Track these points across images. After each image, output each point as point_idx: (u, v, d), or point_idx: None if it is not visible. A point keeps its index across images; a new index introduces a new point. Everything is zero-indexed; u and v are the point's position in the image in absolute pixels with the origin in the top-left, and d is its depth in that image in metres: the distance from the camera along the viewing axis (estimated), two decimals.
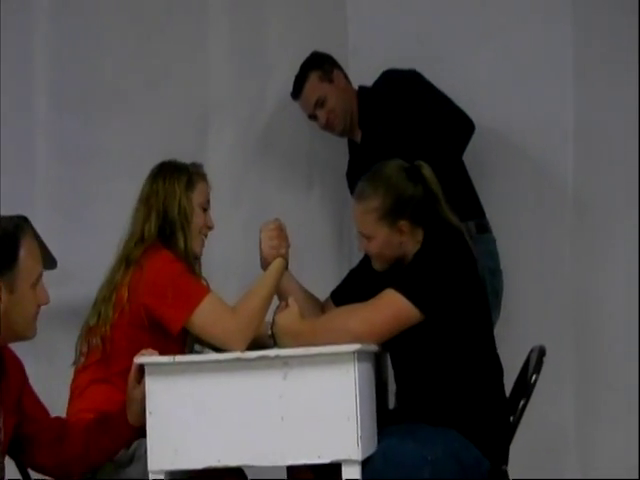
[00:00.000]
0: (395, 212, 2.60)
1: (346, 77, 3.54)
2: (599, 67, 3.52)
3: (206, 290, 2.58)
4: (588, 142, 3.54)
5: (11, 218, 2.21)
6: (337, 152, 3.67)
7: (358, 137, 3.55)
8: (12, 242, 2.14)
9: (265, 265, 2.68)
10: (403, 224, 2.60)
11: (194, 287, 2.56)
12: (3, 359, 2.24)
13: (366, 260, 2.78)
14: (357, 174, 3.52)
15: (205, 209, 2.74)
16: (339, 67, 3.53)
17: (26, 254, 2.15)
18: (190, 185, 2.70)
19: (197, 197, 2.71)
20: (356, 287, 2.81)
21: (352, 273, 2.93)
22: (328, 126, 3.50)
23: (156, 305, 2.53)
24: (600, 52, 3.52)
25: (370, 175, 2.69)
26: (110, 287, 2.60)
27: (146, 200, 2.68)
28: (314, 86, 3.46)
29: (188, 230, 2.67)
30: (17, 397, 2.27)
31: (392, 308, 2.49)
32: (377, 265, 2.66)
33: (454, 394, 2.57)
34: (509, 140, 3.58)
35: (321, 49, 3.54)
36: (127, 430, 2.37)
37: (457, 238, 2.61)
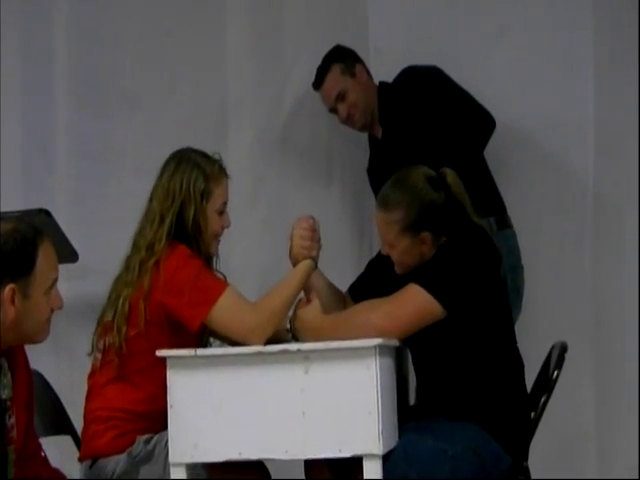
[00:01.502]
0: (418, 224, 2.57)
1: (368, 72, 3.53)
2: (619, 64, 3.51)
3: (224, 285, 2.55)
4: (608, 140, 3.53)
5: (30, 224, 2.22)
6: (356, 148, 3.67)
7: (378, 133, 3.54)
8: (30, 249, 2.15)
9: (294, 263, 2.63)
10: (425, 235, 2.58)
11: (212, 283, 2.53)
12: (12, 352, 2.24)
13: (382, 255, 2.78)
14: (378, 171, 3.53)
15: (222, 212, 2.66)
16: (361, 62, 3.52)
17: (43, 261, 2.16)
18: (207, 193, 2.60)
19: (214, 204, 2.63)
20: (373, 282, 2.80)
21: (369, 268, 2.91)
22: (348, 120, 3.50)
23: (174, 303, 2.50)
24: (620, 50, 3.50)
25: (395, 183, 2.65)
26: (126, 286, 2.56)
27: (161, 202, 2.60)
28: (336, 79, 3.46)
29: (201, 239, 2.61)
30: (29, 391, 2.27)
31: (415, 303, 2.48)
32: (398, 269, 2.65)
33: (475, 389, 2.56)
34: (528, 138, 3.57)
35: (341, 40, 3.53)
36: None
37: (480, 235, 2.60)
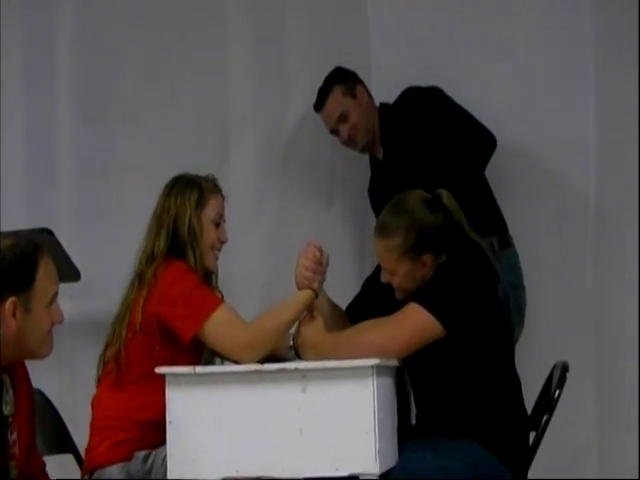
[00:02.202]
0: (418, 247, 2.58)
1: (369, 94, 3.55)
2: (620, 80, 3.50)
3: (219, 301, 2.58)
4: (609, 156, 3.53)
5: (30, 239, 2.24)
6: (358, 167, 3.67)
7: (379, 154, 3.55)
8: (30, 263, 2.17)
9: (298, 288, 2.63)
10: (426, 258, 2.59)
11: (207, 298, 2.56)
12: (13, 368, 2.25)
13: (377, 274, 2.78)
14: (379, 191, 3.54)
15: (218, 224, 2.71)
16: (362, 83, 3.54)
17: (43, 275, 2.18)
18: (201, 201, 2.68)
19: (209, 213, 2.69)
20: (369, 302, 2.81)
21: (365, 288, 2.91)
22: (350, 141, 3.51)
23: (168, 314, 2.53)
24: (621, 66, 3.50)
25: (391, 209, 2.66)
26: (124, 305, 2.62)
27: (158, 217, 2.69)
28: (337, 100, 3.47)
29: (197, 247, 2.65)
30: (31, 408, 2.28)
31: (416, 323, 2.48)
32: (400, 295, 2.64)
33: (473, 407, 2.56)
34: (530, 155, 3.57)
35: (343, 65, 3.55)
36: None
37: (478, 254, 2.61)
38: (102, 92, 3.74)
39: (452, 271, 2.56)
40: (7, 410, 2.19)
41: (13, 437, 2.20)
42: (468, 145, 3.35)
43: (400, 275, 2.60)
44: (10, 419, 2.19)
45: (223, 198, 2.75)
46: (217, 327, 2.51)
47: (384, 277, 2.65)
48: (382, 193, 3.47)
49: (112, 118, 3.72)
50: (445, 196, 2.65)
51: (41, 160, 3.70)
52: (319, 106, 3.51)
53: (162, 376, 2.35)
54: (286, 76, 3.74)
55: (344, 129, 3.48)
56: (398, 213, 2.62)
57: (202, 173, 3.58)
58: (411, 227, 2.58)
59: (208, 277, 2.72)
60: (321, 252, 2.62)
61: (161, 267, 2.60)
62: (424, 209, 2.61)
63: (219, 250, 2.74)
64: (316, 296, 2.61)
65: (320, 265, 2.61)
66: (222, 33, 3.75)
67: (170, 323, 2.54)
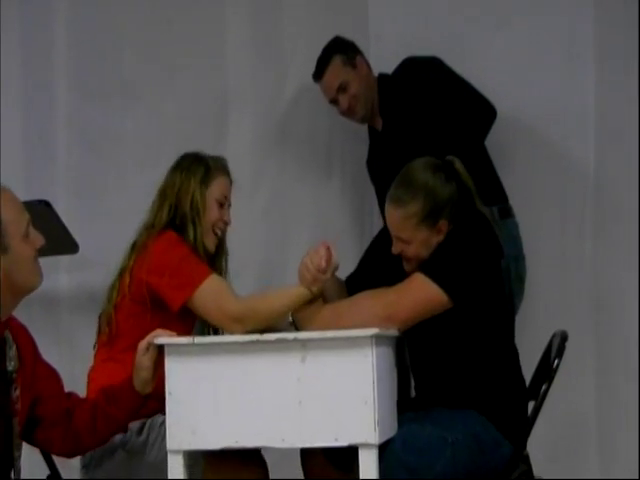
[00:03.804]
0: (435, 214, 2.56)
1: (367, 64, 3.53)
2: (620, 53, 3.50)
3: (208, 272, 2.56)
4: (608, 127, 3.52)
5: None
6: (356, 140, 3.67)
7: (378, 125, 3.54)
8: None
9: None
10: (442, 224, 2.57)
11: (196, 268, 2.56)
12: (12, 328, 2.23)
13: (377, 244, 2.76)
14: (378, 163, 3.53)
15: (222, 204, 2.69)
16: (361, 53, 3.52)
17: (7, 211, 2.13)
18: (206, 179, 2.66)
19: (213, 191, 2.67)
20: (370, 273, 2.78)
21: (365, 260, 2.89)
22: (349, 112, 3.49)
23: (156, 283, 2.54)
24: (621, 38, 3.49)
25: (404, 178, 2.62)
26: (117, 273, 2.63)
27: (163, 191, 2.68)
28: (337, 70, 3.45)
29: (199, 224, 2.64)
30: (32, 372, 2.28)
31: (421, 293, 2.47)
32: (410, 266, 2.61)
33: (473, 378, 2.56)
34: (529, 127, 3.56)
35: (340, 32, 3.53)
36: (134, 399, 2.36)
37: (484, 225, 2.60)
38: (100, 67, 3.73)
39: (459, 241, 2.54)
40: (11, 366, 2.17)
41: (16, 393, 2.18)
42: (468, 115, 3.33)
43: (416, 244, 2.57)
44: (14, 375, 2.17)
45: (231, 181, 2.73)
46: (207, 297, 2.52)
47: (397, 248, 2.61)
48: (382, 164, 3.47)
49: (109, 93, 3.71)
50: (456, 162, 2.63)
51: (39, 135, 3.70)
52: (318, 76, 3.49)
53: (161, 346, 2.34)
54: (283, 49, 3.73)
55: (344, 99, 3.46)
56: (413, 181, 2.59)
57: (200, 147, 3.59)
58: (428, 194, 2.56)
59: (218, 258, 2.72)
60: (330, 257, 2.51)
61: (153, 236, 2.60)
62: (439, 176, 2.59)
63: (221, 231, 2.71)
64: (311, 297, 2.52)
65: (323, 273, 2.51)
66: (219, 7, 3.73)
67: (159, 292, 2.55)
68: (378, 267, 2.75)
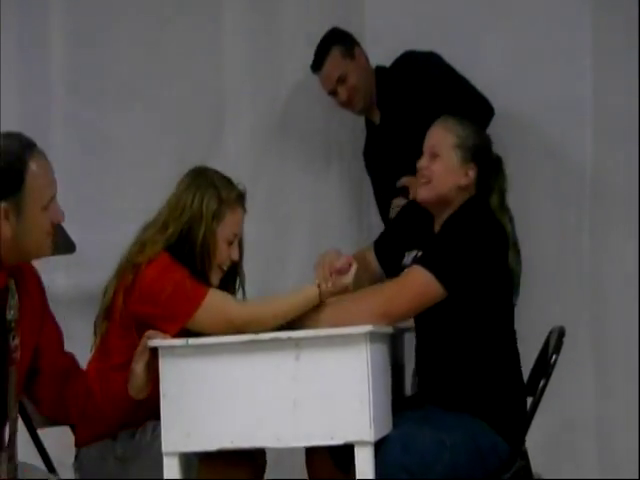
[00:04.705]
0: (474, 151, 2.61)
1: (365, 56, 3.51)
2: (617, 48, 3.48)
3: (204, 292, 2.44)
4: (606, 124, 3.50)
5: (20, 137, 2.11)
6: (354, 133, 3.67)
7: (376, 117, 3.53)
8: (17, 164, 2.05)
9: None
10: (471, 170, 2.60)
11: (192, 292, 2.44)
12: (23, 277, 2.20)
13: (405, 212, 2.77)
14: (376, 154, 3.52)
15: (231, 242, 2.55)
16: (359, 45, 3.50)
17: (34, 176, 2.07)
18: (219, 213, 2.52)
19: (225, 231, 2.54)
20: (397, 236, 2.80)
21: (392, 225, 2.92)
22: (349, 103, 3.47)
23: (149, 314, 2.43)
24: (618, 33, 3.48)
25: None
26: (112, 285, 2.53)
27: (173, 209, 2.53)
28: (336, 62, 3.44)
29: (208, 263, 2.52)
30: (40, 317, 2.24)
31: (419, 287, 2.46)
32: (424, 193, 2.61)
33: (473, 374, 2.55)
34: (526, 124, 3.55)
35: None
36: (127, 400, 2.36)
37: (492, 218, 2.60)
38: (96, 67, 3.73)
39: (462, 230, 2.54)
40: (10, 315, 2.15)
41: (15, 342, 2.16)
42: (465, 112, 3.31)
43: (442, 164, 2.59)
44: (13, 324, 2.15)
45: (244, 211, 2.60)
46: (210, 313, 2.42)
47: (423, 161, 2.63)
48: (379, 157, 3.46)
49: (106, 92, 3.71)
50: (503, 163, 2.69)
51: (36, 134, 3.67)
52: (317, 67, 3.47)
53: (155, 349, 2.33)
54: (280, 45, 3.73)
55: (343, 91, 3.44)
56: (468, 121, 2.67)
57: (198, 146, 3.60)
58: (477, 133, 2.65)
59: (232, 279, 2.61)
60: (347, 269, 2.45)
61: (148, 259, 2.48)
62: (490, 144, 2.68)
63: (227, 267, 2.59)
64: (321, 299, 2.45)
65: (334, 274, 2.45)
66: (216, 6, 3.73)
67: (151, 322, 2.44)
68: (406, 231, 2.76)
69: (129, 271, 2.49)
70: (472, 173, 2.60)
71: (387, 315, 2.43)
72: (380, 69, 3.51)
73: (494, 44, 3.57)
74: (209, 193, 2.53)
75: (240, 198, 2.58)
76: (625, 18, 3.45)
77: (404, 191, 3.31)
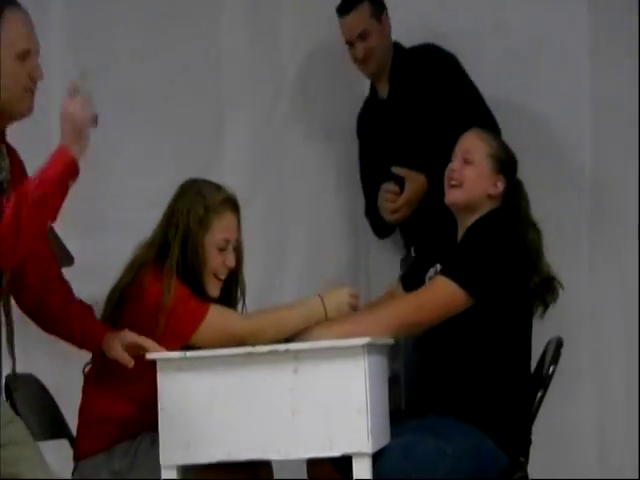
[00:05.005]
0: (503, 163, 2.68)
1: (389, 25, 3.46)
2: (616, 46, 3.46)
3: (204, 309, 2.42)
4: (605, 123, 3.48)
5: None
6: (352, 146, 3.65)
7: (383, 89, 3.48)
8: None
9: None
10: (501, 180, 2.66)
11: (193, 310, 2.42)
12: (9, 151, 2.18)
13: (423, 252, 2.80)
14: (372, 127, 3.48)
15: (223, 248, 2.50)
16: (387, 14, 3.46)
17: (8, 20, 2.05)
18: (205, 221, 2.47)
19: (214, 237, 2.48)
20: (419, 263, 2.84)
21: (417, 260, 2.96)
22: (363, 61, 3.42)
23: (150, 333, 2.41)
24: (617, 32, 3.45)
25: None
26: (111, 301, 2.53)
27: (160, 223, 2.52)
28: (364, 16, 3.39)
29: (200, 275, 2.48)
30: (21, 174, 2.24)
31: (445, 297, 2.49)
32: (453, 196, 2.66)
33: (481, 389, 2.56)
34: (525, 122, 3.53)
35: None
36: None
37: (514, 232, 2.62)
38: (95, 74, 3.71)
39: (488, 235, 2.57)
40: (2, 176, 2.15)
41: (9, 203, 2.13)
42: (474, 124, 3.31)
43: (475, 170, 2.65)
44: (5, 184, 2.15)
45: (236, 216, 2.53)
46: (212, 328, 2.42)
47: (456, 164, 2.69)
48: (376, 130, 3.43)
49: (104, 101, 3.68)
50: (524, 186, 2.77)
51: (33, 143, 3.68)
52: (344, 11, 3.41)
53: (152, 362, 2.34)
54: (281, 52, 3.72)
55: (361, 47, 3.40)
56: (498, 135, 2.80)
57: (197, 155, 3.59)
58: (507, 149, 2.73)
59: (234, 288, 2.58)
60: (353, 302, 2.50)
61: (146, 277, 2.46)
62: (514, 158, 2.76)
63: (224, 276, 2.54)
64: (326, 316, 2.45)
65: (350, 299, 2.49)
66: (215, 12, 3.72)
67: (154, 339, 2.41)
68: (426, 254, 2.82)
69: (130, 289, 2.48)
70: (501, 185, 2.67)
71: (415, 324, 2.47)
72: (399, 46, 3.48)
73: (492, 42, 3.55)
74: (195, 201, 2.48)
75: (227, 202, 2.51)
76: (623, 14, 3.43)
77: (397, 178, 3.29)
